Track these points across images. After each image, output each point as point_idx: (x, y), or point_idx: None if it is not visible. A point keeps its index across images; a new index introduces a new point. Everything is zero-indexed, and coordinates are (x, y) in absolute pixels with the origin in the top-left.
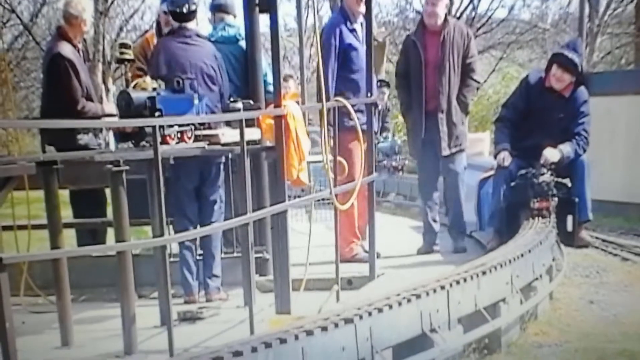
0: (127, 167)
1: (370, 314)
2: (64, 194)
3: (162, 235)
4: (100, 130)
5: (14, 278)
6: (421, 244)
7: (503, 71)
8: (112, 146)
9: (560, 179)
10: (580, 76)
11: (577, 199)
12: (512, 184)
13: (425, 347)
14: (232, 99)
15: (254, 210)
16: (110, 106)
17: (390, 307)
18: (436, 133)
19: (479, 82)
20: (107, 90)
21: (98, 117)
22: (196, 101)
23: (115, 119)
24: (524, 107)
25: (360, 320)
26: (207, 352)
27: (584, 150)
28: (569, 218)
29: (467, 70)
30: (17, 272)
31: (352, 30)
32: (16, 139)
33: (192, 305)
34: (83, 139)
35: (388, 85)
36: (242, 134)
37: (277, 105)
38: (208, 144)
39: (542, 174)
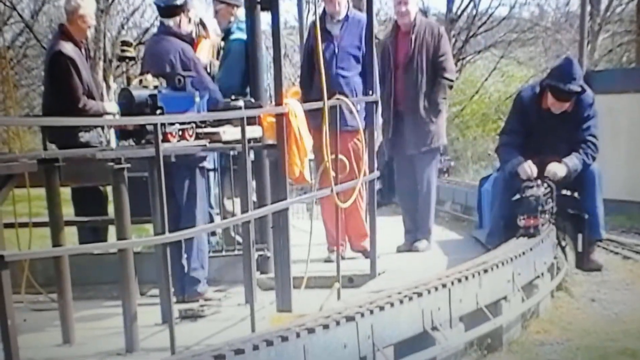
0: (128, 165)
1: (371, 311)
2: (66, 192)
3: (163, 233)
4: (102, 127)
5: (16, 275)
6: (402, 242)
7: (503, 69)
8: (113, 144)
9: (568, 192)
10: (583, 89)
11: (586, 215)
12: (514, 198)
13: (427, 345)
14: (232, 97)
15: (255, 208)
16: (111, 104)
17: (392, 305)
18: (404, 133)
19: (451, 80)
20: (109, 88)
21: (99, 115)
22: (197, 99)
23: (117, 116)
24: (522, 129)
25: (361, 318)
26: (208, 349)
27: (593, 158)
28: (579, 237)
29: (438, 69)
30: (19, 270)
31: (325, 30)
32: (17, 137)
33: (193, 303)
34: (84, 136)
35: None
36: (243, 132)
37: (279, 103)
38: (209, 142)
39: (530, 187)
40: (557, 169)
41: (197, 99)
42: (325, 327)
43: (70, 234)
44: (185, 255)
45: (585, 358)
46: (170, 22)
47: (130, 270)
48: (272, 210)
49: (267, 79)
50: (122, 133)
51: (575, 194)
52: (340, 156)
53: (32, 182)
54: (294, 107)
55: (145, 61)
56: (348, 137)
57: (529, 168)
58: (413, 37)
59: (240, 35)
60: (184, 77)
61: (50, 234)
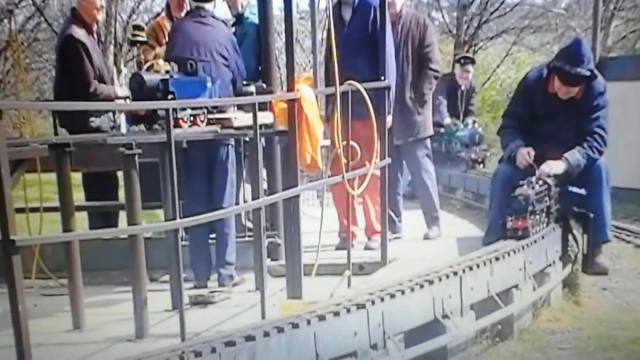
0: (139, 150)
1: (382, 299)
2: (76, 177)
3: (174, 218)
4: (113, 112)
5: (26, 260)
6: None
7: (515, 56)
8: (124, 129)
9: (576, 189)
10: (593, 74)
11: (592, 215)
12: (513, 194)
13: (438, 333)
14: (245, 83)
15: (266, 195)
16: (122, 88)
17: (403, 292)
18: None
19: (436, 72)
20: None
21: (110, 100)
22: (209, 84)
23: (128, 101)
24: (526, 113)
25: (372, 306)
26: (219, 336)
27: (600, 153)
28: (584, 238)
29: (423, 60)
30: (29, 255)
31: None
32: (28, 121)
33: (203, 289)
34: (95, 121)
35: (473, 62)
36: (254, 118)
37: (290, 89)
38: (221, 128)
39: (520, 185)
40: (551, 167)
41: (209, 84)
42: (336, 314)
43: (81, 219)
44: (218, 240)
45: (597, 347)
46: (209, 6)
47: (140, 256)
48: (283, 197)
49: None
50: (133, 118)
51: (582, 191)
52: (351, 142)
53: (43, 167)
54: (306, 93)
55: (176, 46)
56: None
57: (527, 155)
58: (399, 28)
59: (256, 19)
60: (195, 61)
61: (61, 219)
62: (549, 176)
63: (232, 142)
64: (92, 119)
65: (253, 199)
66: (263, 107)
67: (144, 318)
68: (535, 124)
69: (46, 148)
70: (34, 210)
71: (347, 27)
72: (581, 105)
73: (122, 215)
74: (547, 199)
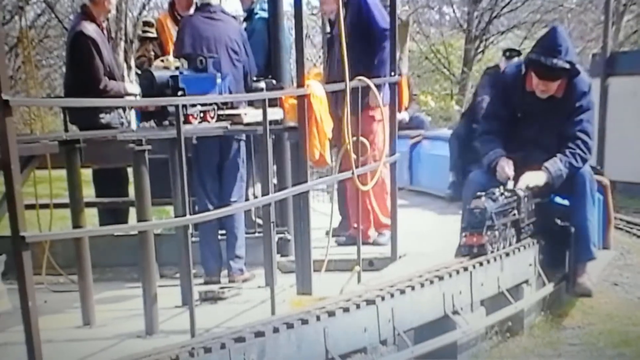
0: (149, 147)
1: (392, 295)
2: (87, 173)
3: (184, 215)
4: (123, 109)
5: (36, 257)
6: None
7: (526, 51)
8: (134, 125)
9: (559, 199)
10: (573, 69)
11: (572, 229)
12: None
13: (448, 329)
14: (255, 79)
15: (275, 191)
16: (132, 85)
17: (413, 288)
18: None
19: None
20: (129, 68)
21: (120, 96)
22: (219, 80)
23: (138, 97)
24: (507, 114)
25: (382, 302)
26: (228, 332)
27: (584, 161)
28: (567, 254)
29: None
30: (39, 251)
31: None
32: (39, 118)
33: (213, 285)
34: (105, 117)
35: (519, 53)
36: (264, 114)
37: (300, 85)
38: (230, 124)
39: (477, 197)
40: (530, 180)
41: (219, 80)
42: (346, 310)
43: (91, 216)
44: (228, 235)
45: (607, 342)
46: (215, 1)
47: (150, 252)
48: (292, 193)
49: (289, 60)
50: (143, 114)
51: (566, 202)
52: (361, 138)
53: (53, 163)
54: (315, 89)
55: (185, 42)
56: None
57: (507, 168)
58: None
59: (265, 15)
60: (205, 58)
61: (71, 216)
62: (528, 189)
63: (243, 137)
64: (102, 115)
65: (263, 194)
66: (273, 103)
67: (154, 314)
68: (514, 127)
69: (56, 144)
70: (44, 206)
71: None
72: (563, 106)
73: (132, 212)
74: (515, 212)
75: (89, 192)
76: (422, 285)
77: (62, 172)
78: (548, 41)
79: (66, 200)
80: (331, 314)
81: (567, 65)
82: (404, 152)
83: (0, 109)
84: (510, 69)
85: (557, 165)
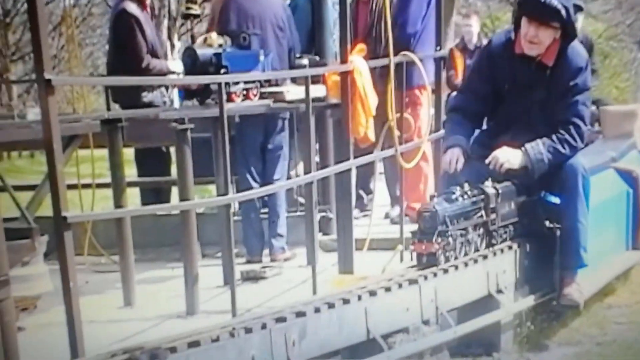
0: (192, 125)
1: (435, 274)
2: (129, 153)
3: (226, 193)
4: (166, 87)
5: (78, 237)
6: None
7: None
8: (177, 104)
9: (552, 198)
10: (570, 28)
11: (558, 232)
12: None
13: (491, 309)
14: (297, 55)
15: (317, 169)
16: (175, 63)
17: (456, 268)
18: None
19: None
20: (173, 46)
21: (163, 74)
22: (262, 58)
23: (181, 76)
24: (485, 91)
25: (424, 281)
26: (270, 312)
27: (573, 149)
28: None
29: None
30: (81, 232)
31: None
32: (81, 97)
33: (255, 264)
34: (147, 96)
35: (581, 9)
36: (307, 91)
37: (344, 61)
38: (273, 102)
39: (431, 197)
40: (504, 156)
41: (262, 58)
42: (388, 289)
43: (133, 195)
44: (270, 213)
45: None
46: None
47: (192, 232)
48: (335, 171)
49: (332, 35)
50: (186, 93)
51: (557, 200)
52: (405, 115)
53: (96, 142)
54: (359, 65)
55: (229, 19)
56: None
57: (449, 161)
58: (372, 6)
59: None
60: (249, 35)
61: (113, 195)
62: (507, 171)
63: (287, 115)
64: (144, 94)
65: (305, 173)
66: (315, 79)
67: (195, 294)
68: (498, 105)
69: (99, 124)
70: (86, 186)
71: None
72: (555, 80)
73: (174, 191)
74: (482, 213)
75: (131, 171)
76: (466, 264)
77: (104, 152)
78: None
79: (108, 180)
80: (373, 293)
81: (563, 11)
82: None
83: (43, 89)
84: (498, 37)
85: (538, 147)
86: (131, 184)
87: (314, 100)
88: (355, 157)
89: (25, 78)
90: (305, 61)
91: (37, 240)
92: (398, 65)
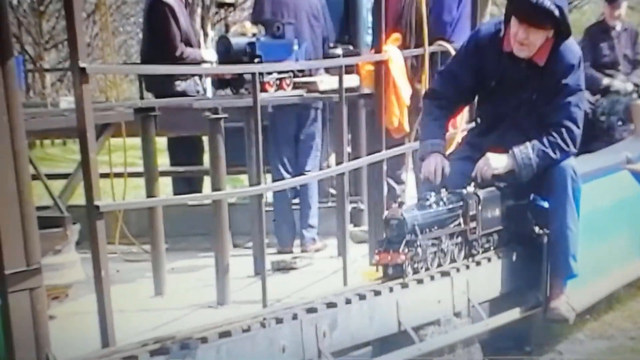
0: (225, 115)
1: (467, 267)
2: (161, 141)
3: (258, 184)
4: (199, 76)
5: (110, 226)
6: None
7: None
8: (210, 93)
9: (542, 202)
10: (564, 26)
11: (546, 238)
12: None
13: (524, 302)
14: (331, 45)
15: (349, 160)
16: (209, 52)
17: (489, 260)
18: None
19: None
20: (206, 35)
21: (197, 63)
22: (295, 47)
23: (214, 65)
24: (466, 79)
25: (457, 273)
26: (300, 303)
27: (564, 153)
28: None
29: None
30: (113, 220)
31: None
32: (114, 85)
33: (285, 255)
34: (181, 85)
35: None
36: (340, 81)
37: (378, 51)
38: (306, 92)
39: (399, 204)
40: (490, 161)
41: (295, 47)
42: (420, 282)
43: (165, 185)
44: (302, 204)
45: None
46: None
47: (224, 221)
48: (367, 162)
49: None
50: (219, 82)
51: (546, 204)
52: None
53: (128, 131)
54: (394, 55)
55: (263, 8)
56: None
57: (431, 170)
58: None
59: None
60: (283, 24)
61: (145, 185)
62: (486, 179)
63: (320, 105)
64: (177, 82)
65: (337, 163)
66: (349, 69)
67: (226, 284)
68: (484, 102)
69: (131, 112)
70: (119, 175)
71: None
72: (546, 79)
73: (207, 181)
74: (460, 220)
75: (163, 160)
76: (499, 257)
77: (137, 141)
78: None
79: (140, 169)
80: (404, 285)
81: (557, 12)
82: None
83: (78, 77)
84: (486, 27)
85: (526, 151)
86: (163, 173)
87: (346, 90)
88: (387, 148)
89: (58, 66)
90: (339, 51)
91: (69, 228)
92: (433, 55)
